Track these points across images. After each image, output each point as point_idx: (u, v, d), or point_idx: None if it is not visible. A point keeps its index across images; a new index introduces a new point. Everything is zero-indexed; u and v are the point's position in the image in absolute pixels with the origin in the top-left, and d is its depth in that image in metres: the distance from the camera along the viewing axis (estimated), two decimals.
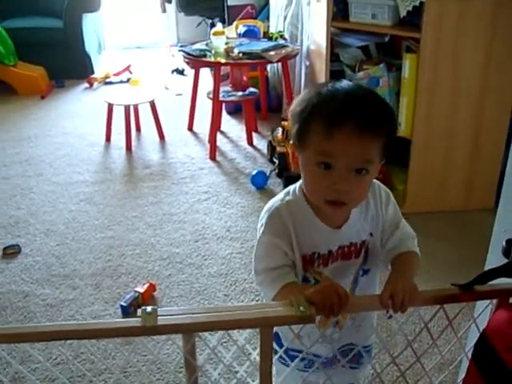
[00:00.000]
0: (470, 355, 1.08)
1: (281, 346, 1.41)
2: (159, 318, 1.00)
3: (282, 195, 1.27)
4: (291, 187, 1.28)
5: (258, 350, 1.07)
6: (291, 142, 1.20)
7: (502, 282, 1.09)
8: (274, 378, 1.49)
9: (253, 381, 1.18)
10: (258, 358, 1.08)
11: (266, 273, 1.24)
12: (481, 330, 1.05)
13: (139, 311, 1.02)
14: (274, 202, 1.27)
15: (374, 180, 1.26)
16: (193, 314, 1.04)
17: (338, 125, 1.06)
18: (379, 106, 1.13)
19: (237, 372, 1.24)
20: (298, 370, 1.28)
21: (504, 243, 1.12)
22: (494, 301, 1.11)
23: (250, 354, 1.17)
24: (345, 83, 1.16)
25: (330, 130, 1.07)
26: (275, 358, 1.42)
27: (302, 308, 1.01)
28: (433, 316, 1.16)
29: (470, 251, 2.81)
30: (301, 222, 1.23)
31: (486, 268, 1.17)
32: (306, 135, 1.13)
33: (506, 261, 1.10)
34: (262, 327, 1.03)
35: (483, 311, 1.13)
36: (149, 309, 1.02)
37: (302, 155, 1.17)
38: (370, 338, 1.42)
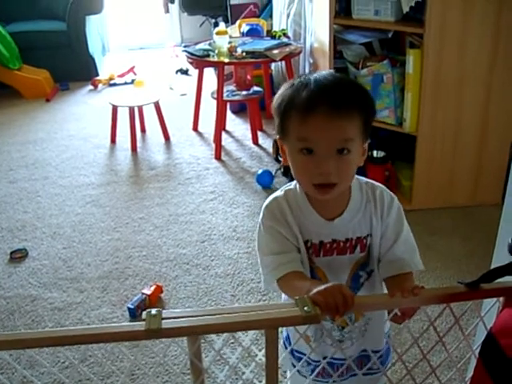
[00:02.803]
0: (477, 353, 1.07)
1: (292, 351, 1.41)
2: (164, 320, 1.00)
3: (282, 188, 1.32)
4: (293, 181, 1.31)
5: (263, 350, 1.06)
6: (277, 136, 1.24)
7: (509, 279, 1.08)
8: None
9: (260, 381, 1.17)
10: (263, 359, 1.07)
11: (271, 256, 1.26)
12: (488, 328, 1.04)
13: (144, 314, 1.01)
14: (273, 194, 1.32)
15: (380, 184, 1.30)
16: (198, 316, 1.04)
17: (311, 110, 1.11)
18: (349, 87, 1.18)
19: (243, 373, 1.23)
20: (313, 381, 1.26)
21: (510, 240, 1.11)
22: (501, 299, 1.10)
23: (256, 355, 1.16)
24: (317, 73, 1.21)
25: (305, 115, 1.12)
26: (290, 366, 1.43)
27: (306, 308, 1.01)
28: (439, 314, 1.15)
29: (477, 247, 2.80)
30: (297, 210, 1.27)
31: (493, 266, 1.16)
32: (285, 126, 1.18)
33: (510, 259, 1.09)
34: (267, 328, 1.02)
35: (490, 309, 1.12)
36: (153, 311, 1.01)
37: (286, 146, 1.21)
38: (380, 342, 1.40)
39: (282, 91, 1.20)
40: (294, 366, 1.38)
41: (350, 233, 1.26)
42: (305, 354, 1.20)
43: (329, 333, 1.25)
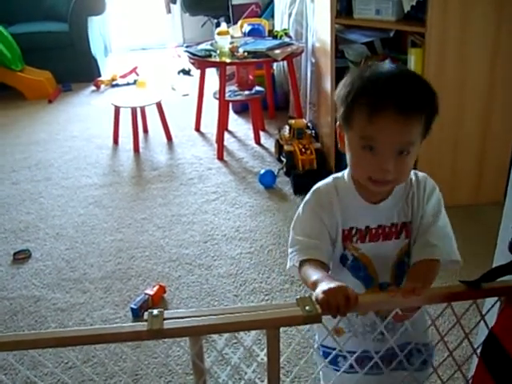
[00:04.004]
0: (479, 352, 1.07)
1: (324, 351, 1.39)
2: (166, 321, 1.00)
3: (330, 176, 1.34)
4: (341, 172, 1.33)
5: (265, 350, 1.06)
6: (337, 122, 1.25)
7: (510, 278, 1.08)
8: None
9: (261, 381, 1.17)
10: (265, 359, 1.08)
11: (303, 238, 1.27)
12: (489, 327, 1.04)
13: (146, 314, 1.02)
14: (322, 181, 1.34)
15: (423, 173, 1.34)
16: (199, 316, 1.04)
17: (379, 110, 1.12)
18: (420, 88, 1.18)
19: (245, 373, 1.23)
20: (345, 373, 1.22)
21: (511, 239, 1.11)
22: (502, 298, 1.10)
23: (257, 355, 1.16)
24: (387, 66, 1.23)
25: (372, 115, 1.12)
26: (320, 362, 1.41)
27: (308, 308, 1.01)
28: (440, 313, 1.15)
29: (480, 246, 2.78)
30: (344, 197, 1.29)
31: (494, 265, 1.16)
32: (350, 119, 1.18)
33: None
34: (268, 328, 1.02)
35: (491, 308, 1.12)
36: (155, 312, 1.02)
37: (347, 136, 1.22)
38: (425, 335, 1.35)
39: (350, 80, 1.20)
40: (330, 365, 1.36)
41: (395, 217, 1.29)
42: (346, 352, 1.18)
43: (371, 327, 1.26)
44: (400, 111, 1.11)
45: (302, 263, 1.23)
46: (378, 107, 1.12)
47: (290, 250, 1.30)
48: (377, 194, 1.27)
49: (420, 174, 1.33)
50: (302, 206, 1.32)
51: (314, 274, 1.15)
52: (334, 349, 1.25)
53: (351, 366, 1.15)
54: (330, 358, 1.30)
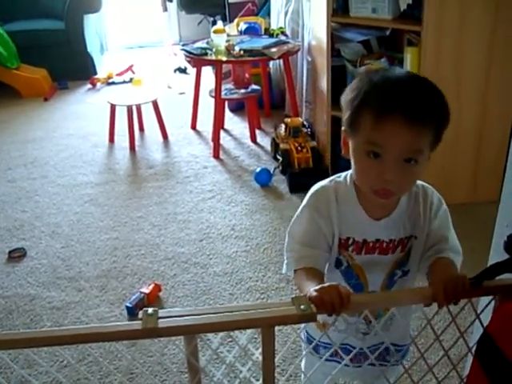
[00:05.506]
0: (474, 351, 1.07)
1: (308, 338, 1.43)
2: (161, 320, 1.00)
3: (331, 178, 1.30)
4: (342, 173, 1.29)
5: (260, 349, 1.06)
6: (342, 128, 1.21)
7: (504, 277, 1.08)
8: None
9: (257, 380, 1.17)
10: (260, 358, 1.07)
11: (299, 246, 1.26)
12: (484, 326, 1.04)
13: (140, 313, 1.02)
14: (322, 182, 1.30)
15: (429, 186, 1.29)
16: (194, 315, 1.04)
17: (386, 116, 1.08)
18: (430, 95, 1.12)
19: (240, 372, 1.23)
20: (326, 361, 1.24)
21: (506, 238, 1.11)
22: (497, 296, 1.10)
23: (252, 354, 1.16)
24: (397, 71, 1.19)
25: (379, 120, 1.08)
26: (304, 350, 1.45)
27: (302, 307, 1.01)
28: (436, 312, 1.15)
29: (477, 244, 2.77)
30: (343, 204, 1.25)
31: (489, 263, 1.16)
32: (356, 123, 1.14)
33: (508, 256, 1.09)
34: (263, 327, 1.02)
35: (486, 307, 1.12)
36: (150, 310, 1.01)
37: (352, 142, 1.18)
38: (404, 337, 1.39)
39: (357, 84, 1.16)
40: (313, 355, 1.39)
41: (394, 233, 1.26)
42: (327, 343, 1.21)
43: (355, 326, 1.26)
44: (408, 116, 1.07)
45: (298, 271, 1.23)
46: (385, 111, 1.08)
47: (286, 255, 1.29)
48: (379, 207, 1.24)
49: (425, 186, 1.29)
50: (300, 207, 1.30)
51: (307, 286, 1.14)
52: (320, 341, 1.28)
53: (332, 355, 1.20)
54: (312, 345, 1.34)
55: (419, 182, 1.28)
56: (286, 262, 1.29)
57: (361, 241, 1.26)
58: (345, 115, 1.18)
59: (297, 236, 1.28)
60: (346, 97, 1.17)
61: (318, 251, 1.25)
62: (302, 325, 1.44)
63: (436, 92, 1.13)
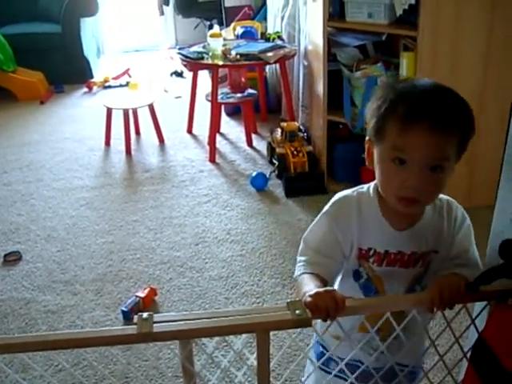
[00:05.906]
0: (469, 356, 1.07)
1: (318, 351, 1.39)
2: (156, 324, 1.00)
3: (354, 188, 1.30)
4: (366, 184, 1.29)
5: (255, 354, 1.06)
6: (366, 137, 1.21)
7: (499, 283, 1.08)
8: None
9: None
10: (255, 363, 1.07)
11: (312, 252, 1.25)
12: (479, 330, 1.04)
13: (135, 317, 1.01)
14: (345, 191, 1.29)
15: (454, 200, 1.28)
16: (189, 319, 1.04)
17: (413, 122, 1.08)
18: (454, 103, 1.12)
19: (235, 377, 1.23)
20: (336, 377, 1.23)
21: (500, 244, 1.11)
22: (492, 302, 1.10)
23: (247, 358, 1.16)
24: (421, 81, 1.18)
25: (405, 126, 1.09)
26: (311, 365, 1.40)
27: (297, 311, 1.01)
28: (431, 317, 1.15)
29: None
30: (366, 215, 1.25)
31: (484, 268, 1.16)
32: (381, 131, 1.14)
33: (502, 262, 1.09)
34: (258, 332, 1.02)
35: (481, 312, 1.12)
36: (145, 315, 1.01)
37: (376, 150, 1.17)
38: (417, 359, 1.33)
39: (382, 93, 1.17)
40: (323, 370, 1.35)
41: (416, 246, 1.24)
42: (339, 358, 1.17)
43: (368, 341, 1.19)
44: (435, 122, 1.07)
45: (303, 275, 1.21)
46: (411, 117, 1.08)
47: (298, 259, 1.28)
48: (403, 218, 1.22)
49: (450, 201, 1.28)
50: (320, 214, 1.29)
51: (306, 285, 1.14)
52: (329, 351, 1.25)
53: (342, 371, 1.15)
54: (324, 358, 1.26)
55: (444, 197, 1.27)
56: (297, 265, 1.28)
57: (382, 252, 1.24)
58: (370, 124, 1.18)
59: (311, 242, 1.27)
60: (371, 106, 1.18)
61: (330, 260, 1.24)
62: (313, 341, 1.43)
63: (462, 101, 1.14)
